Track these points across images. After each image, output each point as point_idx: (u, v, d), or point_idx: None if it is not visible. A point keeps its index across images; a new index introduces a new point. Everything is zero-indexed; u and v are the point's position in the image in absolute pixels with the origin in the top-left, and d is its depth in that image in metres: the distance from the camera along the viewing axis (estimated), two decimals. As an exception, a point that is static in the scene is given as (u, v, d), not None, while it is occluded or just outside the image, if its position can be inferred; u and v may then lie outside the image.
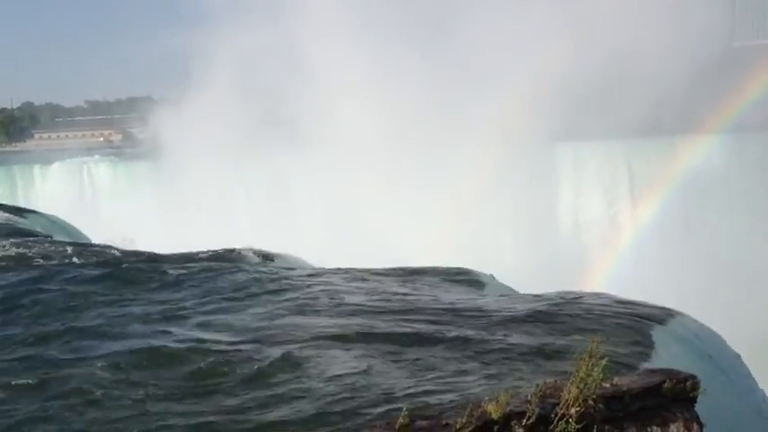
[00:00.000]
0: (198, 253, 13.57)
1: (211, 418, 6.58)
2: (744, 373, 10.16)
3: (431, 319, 9.15)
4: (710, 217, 71.88)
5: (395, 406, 6.26)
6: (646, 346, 8.46)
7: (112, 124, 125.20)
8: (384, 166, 72.47)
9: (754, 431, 8.97)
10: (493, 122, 69.42)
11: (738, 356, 10.33)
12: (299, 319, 9.26)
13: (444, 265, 12.92)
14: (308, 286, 10.94)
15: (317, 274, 12.45)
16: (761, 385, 10.45)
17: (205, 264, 12.62)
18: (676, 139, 75.85)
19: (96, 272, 12.43)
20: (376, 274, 12.15)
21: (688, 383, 6.07)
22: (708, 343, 9.91)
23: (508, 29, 74.41)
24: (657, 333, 8.95)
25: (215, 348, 8.31)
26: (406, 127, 72.08)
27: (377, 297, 10.12)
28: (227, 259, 12.82)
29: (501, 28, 74.91)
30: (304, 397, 6.82)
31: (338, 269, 12.76)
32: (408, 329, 8.57)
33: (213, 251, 13.67)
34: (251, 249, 13.70)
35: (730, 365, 9.87)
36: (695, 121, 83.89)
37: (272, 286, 10.96)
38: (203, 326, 9.39)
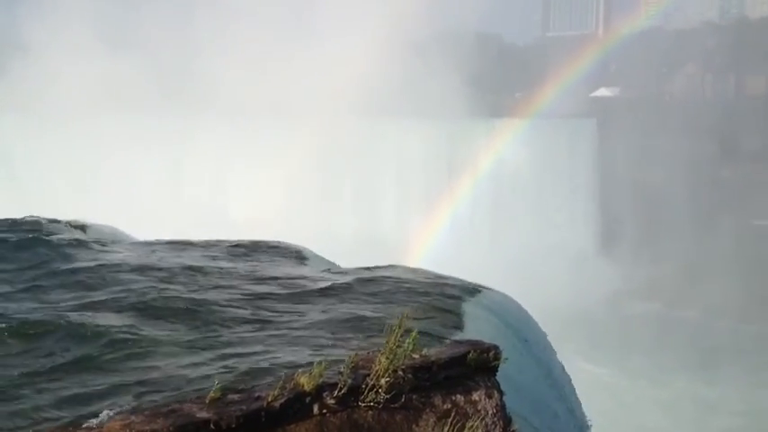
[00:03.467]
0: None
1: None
2: (544, 344, 10.88)
3: (242, 292, 9.03)
4: (521, 196, 76.38)
5: (204, 381, 6.15)
6: (455, 318, 8.81)
7: None
8: (214, 139, 71.21)
9: (549, 398, 9.62)
10: (316, 102, 70.38)
11: (537, 325, 11.04)
12: (85, 295, 8.76)
13: (265, 239, 12.78)
14: (112, 259, 10.44)
15: (127, 245, 11.94)
16: (559, 356, 11.24)
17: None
18: (493, 122, 79.88)
19: None
20: (190, 245, 11.83)
21: (491, 353, 6.37)
22: (512, 315, 10.50)
23: (323, 20, 76.53)
24: (466, 306, 9.35)
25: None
26: (238, 101, 71.25)
27: (186, 271, 9.84)
28: (22, 229, 11.74)
29: (319, 20, 76.96)
30: (118, 374, 6.53)
31: (148, 241, 12.28)
32: (216, 305, 8.40)
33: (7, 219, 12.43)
34: (56, 219, 12.72)
35: (532, 337, 10.52)
36: (511, 105, 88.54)
37: (73, 258, 10.31)
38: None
